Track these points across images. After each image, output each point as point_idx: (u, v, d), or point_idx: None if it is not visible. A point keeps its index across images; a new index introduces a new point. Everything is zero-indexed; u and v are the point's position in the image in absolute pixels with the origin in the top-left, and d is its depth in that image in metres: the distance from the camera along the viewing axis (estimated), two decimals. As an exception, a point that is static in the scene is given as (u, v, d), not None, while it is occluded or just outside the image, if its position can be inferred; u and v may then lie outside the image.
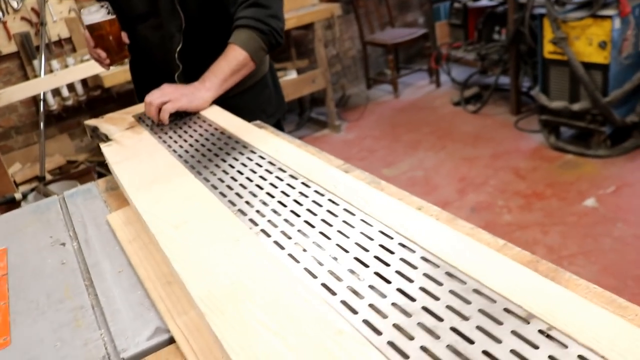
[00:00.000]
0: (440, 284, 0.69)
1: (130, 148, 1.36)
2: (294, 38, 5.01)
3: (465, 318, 0.63)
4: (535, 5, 3.80)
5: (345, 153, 4.13)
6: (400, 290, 0.69)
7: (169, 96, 1.50)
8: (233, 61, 1.61)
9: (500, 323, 0.62)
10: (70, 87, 3.98)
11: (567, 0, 3.48)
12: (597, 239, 2.78)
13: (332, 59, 5.42)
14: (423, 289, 0.68)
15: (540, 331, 0.60)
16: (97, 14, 1.63)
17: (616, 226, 2.87)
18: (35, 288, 0.99)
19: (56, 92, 3.93)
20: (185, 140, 1.34)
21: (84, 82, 3.97)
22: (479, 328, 0.61)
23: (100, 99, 4.15)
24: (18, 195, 3.22)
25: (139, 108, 1.69)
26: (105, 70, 2.01)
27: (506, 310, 0.64)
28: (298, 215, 0.89)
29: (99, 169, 4.04)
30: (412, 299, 0.67)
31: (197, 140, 1.32)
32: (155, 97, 1.51)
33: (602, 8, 3.26)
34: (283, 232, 0.85)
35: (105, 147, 1.40)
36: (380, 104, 5.22)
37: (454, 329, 0.62)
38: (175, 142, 1.34)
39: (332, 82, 4.77)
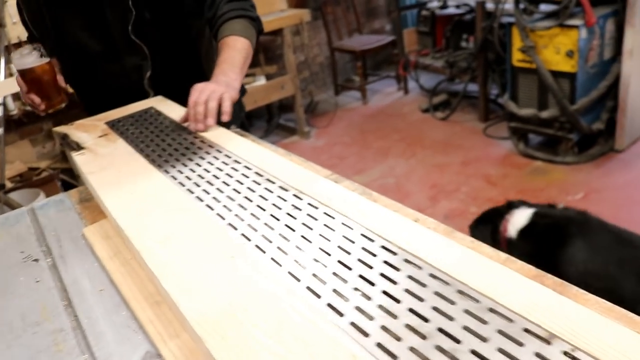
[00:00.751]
0: (453, 302, 0.66)
1: (106, 157, 1.29)
2: (262, 44, 4.95)
3: (484, 340, 0.60)
4: (504, 14, 3.83)
5: (315, 160, 4.05)
6: (412, 310, 0.65)
7: (217, 92, 1.36)
8: (242, 50, 1.56)
9: (521, 344, 0.59)
10: (32, 92, 3.83)
11: (535, 10, 3.52)
12: (569, 246, 2.80)
13: (300, 65, 5.39)
14: (436, 309, 0.65)
15: (565, 353, 0.57)
16: (29, 58, 1.53)
17: (586, 232, 2.89)
18: (7, 309, 0.92)
19: (16, 96, 3.79)
20: (164, 150, 1.28)
21: (46, 87, 3.84)
22: (500, 351, 0.58)
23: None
24: (-23, 205, 3.10)
25: (110, 115, 1.62)
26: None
27: (526, 330, 0.60)
28: (293, 230, 0.85)
29: (63, 176, 3.91)
30: (426, 320, 0.63)
31: (176, 150, 1.26)
32: (202, 98, 1.34)
33: (569, 18, 3.30)
34: (279, 248, 0.81)
35: (77, 156, 1.33)
36: (349, 111, 5.20)
37: (474, 352, 0.58)
38: (154, 151, 1.28)
39: (300, 89, 4.73)
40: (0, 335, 0.85)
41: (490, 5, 4.09)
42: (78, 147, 1.42)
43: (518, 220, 2.10)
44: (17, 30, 3.57)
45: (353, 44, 5.22)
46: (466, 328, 0.62)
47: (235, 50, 1.55)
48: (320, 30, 5.47)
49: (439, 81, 4.87)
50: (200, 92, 1.36)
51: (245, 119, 1.89)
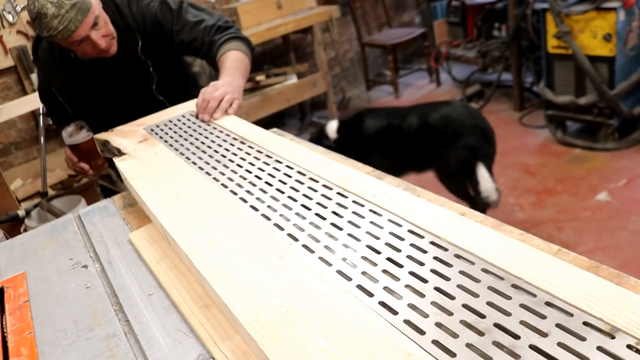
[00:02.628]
0: (508, 297, 0.64)
1: (147, 162, 1.30)
2: (293, 42, 4.96)
3: (543, 334, 0.58)
4: (537, 0, 3.76)
5: (350, 156, 4.06)
6: (466, 307, 0.64)
7: (227, 94, 1.55)
8: (242, 60, 1.79)
9: (583, 339, 0.57)
10: (69, 100, 3.91)
11: (570, -6, 3.44)
12: (613, 234, 2.73)
13: (331, 61, 5.38)
14: (491, 304, 0.64)
15: (629, 346, 0.55)
16: (80, 135, 1.82)
17: (631, 219, 2.82)
18: (60, 315, 0.93)
19: (55, 106, 3.86)
20: (204, 152, 1.28)
21: (83, 95, 3.91)
22: (561, 345, 0.57)
23: (100, 112, 4.08)
24: (21, 212, 3.17)
25: (148, 120, 1.64)
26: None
27: (586, 324, 0.59)
28: (340, 228, 0.84)
29: (102, 182, 3.97)
30: (482, 316, 0.62)
31: (216, 151, 1.27)
32: (215, 95, 1.52)
33: (605, 0, 3.22)
34: (327, 247, 0.80)
35: (120, 162, 1.35)
36: (381, 105, 5.17)
37: (534, 347, 0.57)
38: (194, 153, 1.29)
39: (332, 85, 4.72)
40: (55, 341, 0.86)
41: (522, -8, 4.02)
42: (119, 153, 1.44)
43: (332, 125, 3.14)
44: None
45: (383, 38, 5.19)
46: (524, 323, 0.60)
47: (235, 60, 1.77)
48: (350, 26, 5.45)
49: (471, 72, 4.81)
50: (215, 89, 1.54)
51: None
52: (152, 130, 1.54)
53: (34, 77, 3.69)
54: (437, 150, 2.83)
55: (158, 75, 1.93)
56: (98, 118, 1.89)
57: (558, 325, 0.59)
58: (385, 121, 2.99)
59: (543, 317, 0.61)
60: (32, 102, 3.28)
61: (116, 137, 1.54)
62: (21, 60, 3.72)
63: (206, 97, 1.52)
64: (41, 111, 3.54)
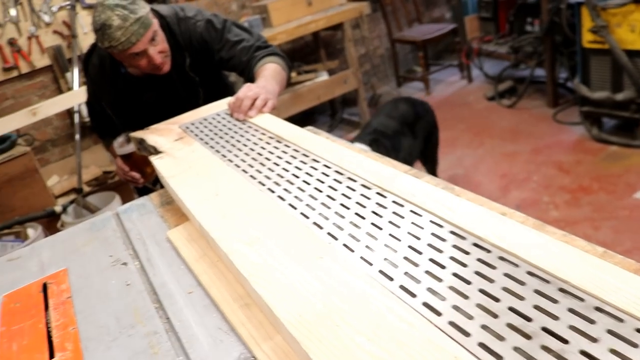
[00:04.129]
0: (555, 301, 0.63)
1: (184, 160, 1.31)
2: (323, 39, 4.96)
3: (593, 340, 0.57)
4: (572, -7, 3.69)
5: (380, 153, 4.05)
6: (512, 309, 0.63)
7: (261, 94, 1.55)
8: (278, 71, 1.85)
9: (635, 345, 0.56)
10: (103, 98, 3.97)
11: (607, -13, 3.37)
12: (652, 233, 2.68)
13: (362, 58, 5.36)
14: (538, 308, 0.63)
15: (684, 353, 0.54)
16: (130, 145, 1.83)
17: (671, 219, 2.76)
18: (102, 312, 0.95)
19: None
20: (240, 150, 1.29)
21: (116, 92, 3.96)
22: (613, 352, 0.55)
23: (133, 109, 4.14)
24: (58, 208, 3.24)
25: (183, 118, 1.65)
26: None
27: (639, 330, 0.57)
28: (380, 228, 0.83)
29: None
30: (528, 319, 0.61)
31: (252, 149, 1.27)
32: (249, 94, 1.53)
33: (644, -7, 3.14)
34: (368, 247, 0.80)
35: (157, 160, 1.36)
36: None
37: (584, 353, 0.56)
38: (230, 151, 1.29)
39: (362, 82, 4.71)
40: (98, 337, 0.88)
41: (556, -14, 3.95)
42: (155, 151, 1.45)
43: None
44: (88, 40, 3.69)
45: (413, 34, 5.15)
46: (573, 327, 0.59)
47: (272, 70, 1.82)
48: (380, 22, 5.43)
49: (503, 67, 4.75)
50: (250, 89, 1.55)
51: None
52: (187, 128, 1.55)
53: (69, 75, 3.76)
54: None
55: (204, 90, 2.01)
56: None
57: (609, 331, 0.58)
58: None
59: (592, 322, 0.59)
60: (68, 100, 3.33)
61: (152, 135, 1.56)
62: (57, 59, 3.79)
63: (240, 96, 1.53)
64: (76, 109, 3.61)
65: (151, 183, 2.03)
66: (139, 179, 1.93)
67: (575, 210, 3.03)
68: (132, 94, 2.01)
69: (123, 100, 2.02)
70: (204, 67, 1.98)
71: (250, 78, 1.90)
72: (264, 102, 1.53)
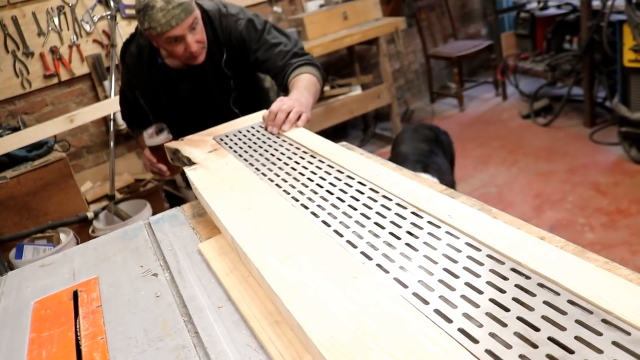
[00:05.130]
0: (599, 333, 0.60)
1: (217, 172, 1.31)
2: (358, 53, 4.96)
3: (640, 377, 0.54)
4: (613, 11, 3.63)
5: (412, 169, 4.02)
6: (552, 339, 0.61)
7: (295, 107, 1.54)
8: (313, 82, 1.82)
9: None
10: (139, 107, 4.03)
11: (650, 6, 3.30)
12: (692, 260, 2.59)
13: (396, 73, 5.34)
14: (579, 339, 0.60)
15: None
16: (161, 136, 1.85)
17: None
18: (131, 322, 0.95)
19: (125, 112, 3.99)
20: (274, 164, 1.28)
21: (151, 101, 4.02)
22: (661, 390, 0.53)
23: (167, 118, 4.19)
24: (90, 214, 3.28)
25: (218, 130, 1.66)
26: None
27: (686, 366, 0.55)
28: (416, 250, 0.82)
29: (166, 187, 4.07)
30: (570, 352, 0.59)
31: (286, 164, 1.27)
32: (283, 107, 1.52)
33: (688, 13, 3.07)
34: (402, 268, 0.78)
35: (190, 172, 1.36)
36: (445, 118, 5.09)
37: (629, 391, 0.53)
38: (264, 165, 1.29)
39: (396, 97, 4.69)
40: (126, 349, 0.87)
41: (596, 3, 3.88)
42: (189, 162, 1.46)
43: None
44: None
45: (449, 50, 5.12)
46: (617, 362, 0.56)
47: (307, 81, 1.80)
48: (415, 37, 5.41)
49: (539, 85, 4.68)
50: (284, 103, 1.54)
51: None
52: (221, 140, 1.55)
53: (107, 84, 3.82)
54: None
55: (237, 89, 2.00)
56: (175, 124, 1.95)
57: (656, 368, 0.55)
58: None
59: (638, 357, 0.57)
60: (105, 108, 3.38)
61: (186, 146, 1.57)
62: (95, 67, 3.86)
63: (274, 110, 1.52)
64: (112, 117, 3.67)
65: (176, 188, 2.03)
66: (165, 172, 1.93)
67: (612, 233, 2.95)
68: (167, 85, 2.02)
69: (157, 91, 2.03)
70: (240, 66, 1.98)
71: (283, 84, 1.90)
72: (297, 115, 1.52)
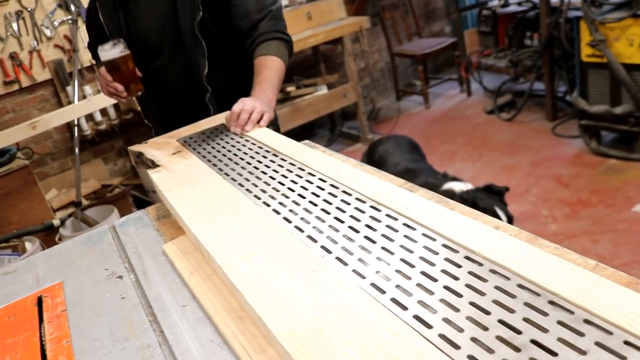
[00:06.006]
0: (545, 314, 0.63)
1: (181, 173, 1.32)
2: (323, 53, 4.98)
3: (582, 353, 0.57)
4: (570, 8, 3.71)
5: (380, 166, 4.07)
6: (502, 322, 0.63)
7: (257, 107, 1.55)
8: (278, 70, 1.78)
9: (623, 358, 0.56)
10: (103, 111, 3.99)
11: (605, 2, 3.39)
12: (651, 247, 2.68)
13: (361, 72, 5.39)
14: (527, 320, 0.63)
15: (672, 366, 0.54)
16: (115, 49, 1.75)
17: (670, 232, 2.76)
18: (97, 325, 0.95)
19: (89, 117, 3.95)
20: (237, 164, 1.30)
21: (116, 106, 3.99)
22: (601, 364, 0.55)
23: (133, 123, 4.16)
24: (56, 222, 3.24)
25: (182, 132, 1.66)
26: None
27: (627, 343, 0.58)
28: (373, 242, 0.84)
29: (134, 192, 4.04)
30: (518, 332, 0.61)
31: (249, 163, 1.28)
32: (245, 107, 1.53)
33: (641, 7, 3.17)
34: (360, 260, 0.80)
35: (154, 174, 1.36)
36: (411, 116, 5.15)
37: (572, 366, 0.56)
38: (227, 165, 1.30)
39: (362, 96, 4.73)
40: (92, 350, 0.88)
41: (555, 0, 3.97)
42: (153, 164, 1.46)
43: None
44: (88, 54, 3.71)
45: (413, 48, 5.18)
46: (561, 340, 0.59)
47: (272, 70, 1.76)
48: (379, 36, 5.46)
49: (502, 81, 4.77)
50: (246, 104, 1.55)
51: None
52: (185, 142, 1.56)
53: (70, 89, 3.78)
54: None
55: (203, 11, 1.80)
56: (135, 56, 1.85)
57: (597, 344, 0.58)
58: None
59: (581, 334, 0.60)
60: (69, 113, 3.34)
61: (150, 148, 1.57)
62: (58, 73, 3.81)
63: (236, 111, 1.53)
64: (76, 123, 3.63)
65: (144, 193, 1.97)
66: (122, 92, 1.83)
67: (574, 223, 3.03)
68: (126, 4, 1.88)
69: (115, 12, 1.89)
70: None
71: (249, 51, 1.83)
72: (259, 115, 1.54)
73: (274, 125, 1.92)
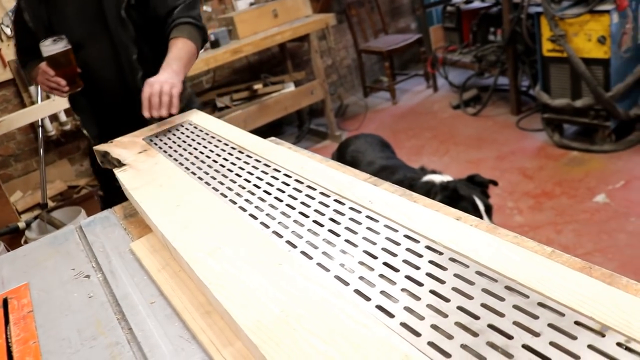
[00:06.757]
0: (502, 299, 0.66)
1: (147, 172, 1.32)
2: (289, 50, 4.99)
3: (536, 334, 0.60)
4: (531, 4, 3.79)
5: (348, 163, 4.09)
6: (461, 308, 0.66)
7: (165, 86, 1.59)
8: (186, 49, 1.83)
9: (574, 338, 0.59)
10: (68, 111, 3.93)
11: (563, -2, 3.47)
12: (612, 235, 2.75)
13: (328, 69, 5.41)
14: (485, 306, 0.65)
15: (619, 344, 0.57)
16: (58, 44, 1.79)
17: (629, 220, 2.84)
18: (64, 324, 0.95)
19: (54, 117, 3.89)
20: (203, 162, 1.30)
21: (81, 106, 3.93)
22: (553, 345, 0.58)
23: (98, 123, 4.10)
24: (22, 224, 3.18)
25: (147, 131, 1.66)
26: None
27: (577, 323, 0.60)
28: (337, 235, 0.86)
29: (101, 192, 3.99)
30: (476, 317, 0.64)
31: (215, 161, 1.29)
32: (154, 92, 1.57)
33: (599, 3, 3.25)
34: (325, 253, 0.82)
35: (120, 173, 1.36)
36: (379, 112, 5.20)
37: (526, 347, 0.59)
38: (193, 164, 1.31)
39: (329, 93, 4.75)
40: (59, 350, 0.88)
41: (516, -3, 4.05)
42: (119, 164, 1.46)
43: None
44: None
45: (379, 45, 5.22)
46: (517, 323, 0.62)
47: (181, 50, 1.82)
48: (346, 33, 5.49)
49: (468, 76, 4.84)
50: (152, 85, 1.59)
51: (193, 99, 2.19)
52: (151, 140, 1.55)
53: (32, 89, 3.72)
54: None
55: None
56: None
57: (550, 325, 0.61)
58: None
59: (536, 317, 0.62)
60: (32, 114, 3.29)
61: (116, 148, 1.56)
62: (19, 73, 3.74)
63: (146, 96, 1.57)
64: (40, 123, 3.57)
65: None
66: (64, 86, 1.86)
67: (538, 214, 3.10)
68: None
69: (41, 5, 1.90)
70: None
71: (165, 35, 1.91)
72: (169, 95, 1.57)
73: (188, 100, 2.04)
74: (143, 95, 1.58)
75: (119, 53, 1.93)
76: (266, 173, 1.14)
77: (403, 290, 0.71)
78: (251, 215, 0.99)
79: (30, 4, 1.91)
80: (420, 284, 0.71)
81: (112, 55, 1.94)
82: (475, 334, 0.62)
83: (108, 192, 2.42)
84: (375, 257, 0.78)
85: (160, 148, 1.48)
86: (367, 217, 0.88)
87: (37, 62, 1.93)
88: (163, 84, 1.58)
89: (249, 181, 1.13)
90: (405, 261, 0.76)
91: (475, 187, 2.48)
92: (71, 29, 1.90)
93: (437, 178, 2.55)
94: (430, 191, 2.41)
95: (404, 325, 0.65)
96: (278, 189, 1.06)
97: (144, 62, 1.94)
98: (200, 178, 1.21)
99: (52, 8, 1.91)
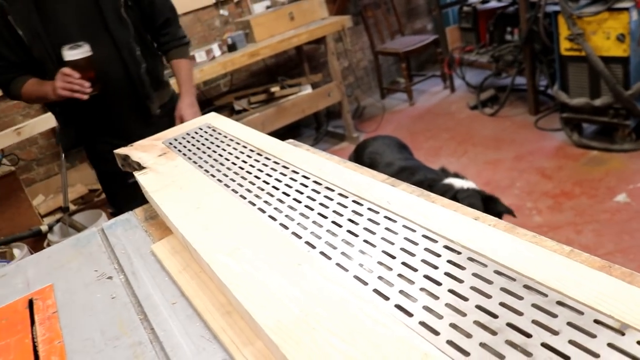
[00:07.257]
0: (520, 297, 0.66)
1: (167, 175, 1.34)
2: (306, 53, 5.01)
3: (554, 333, 0.60)
4: (548, 3, 3.77)
5: (366, 164, 4.10)
6: (479, 307, 0.66)
7: (195, 114, 2.08)
8: (190, 68, 2.28)
9: (593, 336, 0.59)
10: (88, 116, 3.98)
11: (581, -4, 3.44)
12: (634, 235, 2.72)
13: (345, 71, 5.42)
14: (504, 304, 0.66)
15: (639, 342, 0.57)
16: (83, 48, 1.88)
17: (651, 221, 2.81)
18: (88, 325, 0.97)
19: (74, 122, 3.94)
20: (222, 164, 1.32)
21: (101, 110, 3.98)
22: (572, 343, 0.58)
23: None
24: (44, 228, 3.23)
25: (167, 134, 1.68)
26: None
27: (597, 321, 0.60)
28: (356, 235, 0.86)
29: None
30: (494, 316, 0.64)
31: (234, 163, 1.30)
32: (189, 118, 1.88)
33: (617, 1, 3.22)
34: (344, 254, 0.83)
35: (140, 176, 1.38)
36: (396, 113, 5.19)
37: (545, 345, 0.59)
38: (212, 166, 1.32)
39: (346, 95, 4.76)
40: (84, 350, 0.90)
41: (533, -4, 4.03)
42: (139, 167, 1.48)
43: None
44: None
45: (396, 46, 5.22)
46: (535, 322, 0.62)
47: (188, 71, 2.25)
48: (362, 35, 5.49)
49: (485, 77, 4.82)
50: (182, 119, 2.08)
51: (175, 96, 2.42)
52: (170, 143, 1.57)
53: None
54: None
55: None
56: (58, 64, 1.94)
57: (569, 324, 0.61)
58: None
59: (554, 315, 0.62)
60: (52, 119, 3.34)
61: (136, 151, 1.58)
62: (41, 78, 3.79)
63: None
64: (61, 128, 3.62)
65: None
66: (88, 89, 1.92)
67: (558, 215, 3.07)
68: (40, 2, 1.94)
69: (29, 9, 1.91)
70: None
71: (162, 51, 2.23)
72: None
73: (171, 97, 2.38)
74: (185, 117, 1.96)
75: (121, 51, 2.05)
76: (284, 175, 1.15)
77: (422, 289, 0.71)
78: (270, 216, 1.00)
79: (22, 15, 1.92)
80: (438, 283, 0.71)
81: (116, 54, 2.06)
82: (494, 333, 0.62)
83: (112, 196, 2.66)
84: (393, 257, 0.79)
85: (179, 151, 1.49)
86: (385, 217, 0.89)
87: (28, 77, 1.99)
88: (197, 114, 1.88)
89: (267, 183, 1.14)
90: (423, 261, 0.76)
91: (490, 207, 2.42)
92: (70, 36, 1.96)
93: (457, 182, 2.52)
94: (444, 194, 2.39)
95: (422, 324, 0.66)
96: (297, 191, 1.07)
97: (145, 56, 2.12)
98: (219, 180, 1.23)
99: (45, 18, 1.94)
